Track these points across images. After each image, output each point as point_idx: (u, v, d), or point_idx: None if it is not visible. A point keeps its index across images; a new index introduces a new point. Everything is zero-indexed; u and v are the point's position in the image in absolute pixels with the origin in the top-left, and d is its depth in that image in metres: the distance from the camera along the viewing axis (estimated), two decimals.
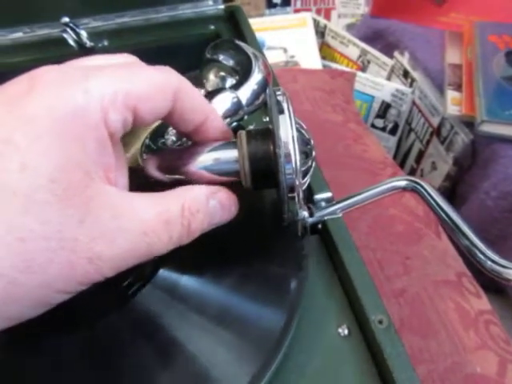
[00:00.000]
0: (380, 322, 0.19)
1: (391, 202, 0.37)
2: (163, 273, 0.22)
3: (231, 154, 0.20)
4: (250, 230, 0.24)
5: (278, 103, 0.19)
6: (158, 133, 0.24)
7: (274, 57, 0.67)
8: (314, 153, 0.20)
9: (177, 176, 0.21)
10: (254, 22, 0.53)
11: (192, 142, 0.22)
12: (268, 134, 0.19)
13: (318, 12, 0.91)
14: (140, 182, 0.21)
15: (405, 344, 0.19)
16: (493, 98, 0.50)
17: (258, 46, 0.37)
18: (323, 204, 0.25)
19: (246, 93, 0.27)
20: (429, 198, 0.22)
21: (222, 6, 0.43)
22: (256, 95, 0.27)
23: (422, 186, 0.23)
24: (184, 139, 0.24)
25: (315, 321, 0.21)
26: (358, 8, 0.90)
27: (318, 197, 0.25)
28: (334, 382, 0.19)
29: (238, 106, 0.26)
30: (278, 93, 0.20)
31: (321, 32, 0.77)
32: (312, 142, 0.21)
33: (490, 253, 0.19)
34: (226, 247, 0.23)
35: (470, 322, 0.31)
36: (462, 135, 0.54)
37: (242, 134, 0.20)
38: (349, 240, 0.23)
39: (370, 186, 0.25)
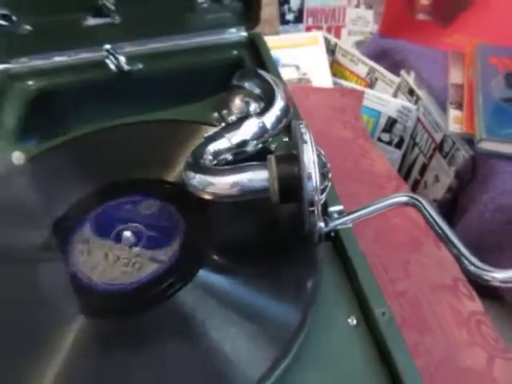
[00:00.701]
0: (383, 313, 0.24)
1: (395, 213, 0.41)
2: (202, 273, 0.26)
3: (262, 174, 0.24)
4: (274, 238, 0.28)
5: (302, 134, 0.23)
6: (198, 153, 0.28)
7: (287, 74, 0.72)
8: (330, 174, 0.25)
9: (212, 190, 0.26)
10: (269, 40, 0.57)
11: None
12: (293, 159, 0.24)
13: (329, 29, 0.96)
14: (186, 194, 0.26)
15: (403, 338, 0.23)
16: (491, 118, 0.54)
17: (278, 73, 0.41)
18: (335, 215, 0.29)
19: (270, 118, 0.31)
20: (426, 212, 0.27)
21: (244, 33, 0.47)
22: (279, 120, 0.32)
23: (420, 202, 0.27)
24: (220, 157, 0.29)
25: (329, 312, 0.25)
26: (367, 26, 0.94)
27: (331, 209, 0.29)
28: (344, 362, 0.23)
29: (263, 130, 0.31)
30: (302, 125, 0.24)
31: (331, 50, 0.81)
32: (329, 165, 0.25)
33: (473, 259, 0.23)
34: (253, 253, 0.28)
35: (463, 321, 0.35)
36: (462, 151, 0.58)
37: (272, 158, 0.24)
38: (357, 246, 0.27)
39: (376, 201, 0.29)
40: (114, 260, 0.27)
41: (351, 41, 0.96)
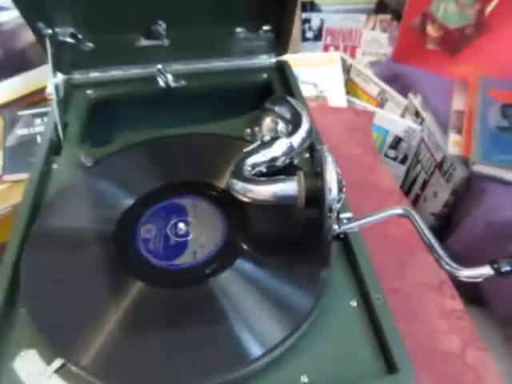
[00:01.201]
0: (378, 298, 0.31)
1: (394, 223, 0.48)
2: (237, 264, 0.34)
3: (293, 186, 0.32)
4: (296, 237, 0.35)
5: (325, 157, 0.31)
6: (239, 164, 0.36)
7: (305, 91, 0.78)
8: (344, 189, 0.32)
9: (253, 197, 0.33)
10: (290, 58, 0.63)
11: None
12: (318, 176, 0.31)
13: (345, 49, 1.03)
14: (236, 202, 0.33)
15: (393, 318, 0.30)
16: (486, 144, 0.61)
17: (303, 98, 0.48)
18: (345, 221, 0.36)
19: (297, 140, 0.39)
20: (416, 223, 0.34)
21: (273, 60, 0.55)
22: (304, 141, 0.39)
23: (412, 215, 0.34)
24: (256, 169, 0.36)
25: (336, 295, 0.32)
26: (381, 48, 1.02)
27: (342, 216, 0.36)
28: (345, 333, 0.31)
29: (291, 149, 0.38)
30: (325, 150, 0.31)
31: (347, 69, 0.89)
32: (344, 182, 0.32)
33: (448, 261, 0.30)
34: (279, 247, 0.35)
35: (445, 315, 0.42)
36: (459, 171, 0.65)
37: (301, 174, 0.32)
38: (362, 246, 0.34)
39: (379, 211, 0.36)
40: (171, 245, 0.34)
41: (365, 61, 1.03)
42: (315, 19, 1.04)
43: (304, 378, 0.28)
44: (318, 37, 1.05)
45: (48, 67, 0.73)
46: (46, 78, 0.90)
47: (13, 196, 0.71)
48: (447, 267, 0.30)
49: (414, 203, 0.80)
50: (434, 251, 0.31)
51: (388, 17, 1.00)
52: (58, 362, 0.29)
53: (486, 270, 0.29)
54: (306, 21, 1.05)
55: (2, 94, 0.84)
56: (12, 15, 0.82)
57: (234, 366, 0.27)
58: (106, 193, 0.39)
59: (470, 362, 0.39)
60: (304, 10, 1.05)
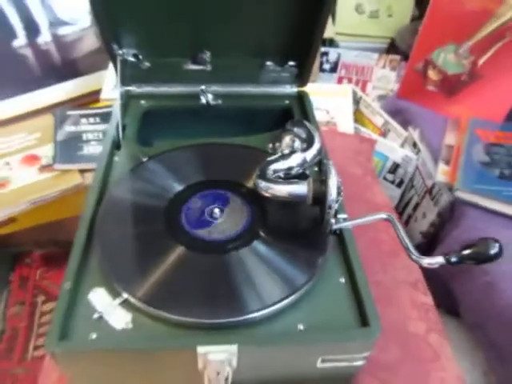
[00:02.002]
0: (361, 280, 0.41)
1: (382, 230, 0.59)
2: (255, 243, 0.44)
3: (304, 188, 0.43)
4: (302, 227, 0.46)
5: (330, 169, 0.42)
6: (263, 169, 0.47)
7: (319, 116, 0.90)
8: (342, 193, 0.43)
9: (273, 194, 0.44)
10: (309, 87, 0.73)
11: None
12: (323, 182, 0.42)
13: (357, 82, 1.16)
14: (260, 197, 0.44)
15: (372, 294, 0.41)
16: (468, 175, 0.72)
17: (317, 124, 0.60)
18: (341, 220, 0.47)
19: (309, 155, 0.50)
20: (395, 226, 0.44)
21: (295, 90, 0.67)
22: (315, 157, 0.50)
23: (393, 220, 0.45)
24: (276, 174, 0.47)
25: (329, 273, 0.43)
26: (389, 84, 1.14)
27: (339, 216, 0.47)
28: (334, 301, 0.41)
29: (304, 162, 0.49)
30: (330, 163, 0.42)
31: (357, 101, 1.00)
32: (342, 187, 0.43)
33: (415, 253, 0.41)
34: (289, 235, 0.46)
35: (416, 306, 0.52)
36: (445, 196, 0.76)
37: (310, 179, 0.43)
38: (352, 240, 0.45)
39: (368, 214, 0.47)
40: (206, 223, 0.45)
41: (374, 94, 1.15)
42: (333, 53, 1.17)
43: (300, 326, 0.39)
44: (334, 69, 1.18)
45: (112, 78, 0.86)
46: (93, 84, 1.03)
47: (61, 182, 0.83)
48: (414, 257, 0.41)
49: (406, 223, 0.90)
50: (406, 247, 0.42)
51: (397, 57, 1.12)
52: (121, 298, 0.39)
53: (440, 260, 0.40)
54: (325, 54, 1.18)
55: (56, 95, 0.97)
56: (71, 30, 0.95)
57: (253, 307, 0.38)
58: (159, 180, 0.50)
59: (431, 342, 0.49)
60: (324, 44, 1.18)
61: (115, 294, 0.40)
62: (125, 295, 0.39)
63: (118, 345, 0.37)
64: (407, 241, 0.43)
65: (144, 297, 0.39)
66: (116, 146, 0.56)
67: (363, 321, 0.39)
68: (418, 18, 1.21)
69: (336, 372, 0.42)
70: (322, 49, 1.17)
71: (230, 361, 0.37)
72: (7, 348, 0.88)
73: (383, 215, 0.46)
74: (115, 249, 0.43)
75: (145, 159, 0.53)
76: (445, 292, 0.74)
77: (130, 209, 0.47)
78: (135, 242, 0.44)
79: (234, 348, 0.36)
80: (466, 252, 0.40)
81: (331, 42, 1.20)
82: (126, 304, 0.39)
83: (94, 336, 0.37)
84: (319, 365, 0.40)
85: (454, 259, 0.39)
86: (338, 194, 0.42)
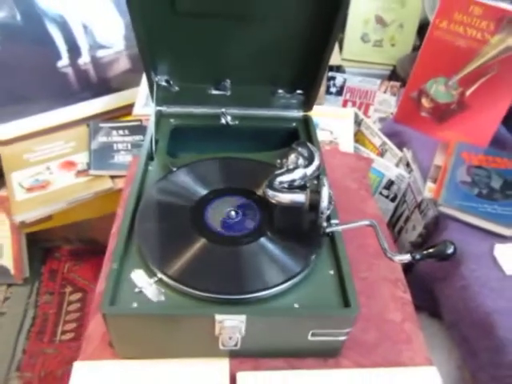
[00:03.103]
0: (347, 272, 0.52)
1: (370, 236, 0.69)
2: (262, 240, 0.55)
3: (303, 197, 0.53)
4: (301, 228, 0.57)
5: (324, 182, 0.53)
6: (271, 180, 0.58)
7: (323, 136, 1.02)
8: (333, 202, 0.54)
9: (278, 201, 0.55)
10: (315, 109, 0.83)
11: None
12: (318, 193, 0.53)
13: (361, 105, 1.27)
14: (268, 202, 0.55)
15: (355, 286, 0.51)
16: (450, 192, 0.82)
17: (319, 145, 0.71)
18: (333, 224, 0.57)
19: (310, 170, 0.61)
20: (376, 230, 0.55)
21: (301, 114, 0.78)
22: (314, 172, 0.61)
23: (375, 225, 0.55)
24: (281, 185, 0.58)
25: (321, 266, 0.53)
26: (390, 108, 1.25)
27: (332, 221, 0.57)
28: (323, 288, 0.51)
29: (305, 176, 0.60)
30: (324, 178, 0.53)
31: (358, 122, 1.11)
32: (333, 198, 0.54)
33: (389, 252, 0.51)
34: (290, 234, 0.57)
35: (394, 299, 0.62)
36: (431, 211, 0.86)
37: (308, 190, 0.53)
38: (342, 241, 0.55)
39: (355, 220, 0.57)
40: (225, 222, 0.56)
41: (376, 116, 1.26)
42: (339, 78, 1.28)
43: (296, 305, 0.49)
44: (339, 92, 1.29)
45: (142, 97, 0.99)
46: (123, 100, 1.15)
47: (95, 186, 0.95)
48: (389, 255, 0.51)
49: (399, 233, 1.00)
50: (382, 247, 0.52)
51: (398, 84, 1.23)
52: (156, 277, 0.50)
53: (408, 257, 0.50)
54: (332, 78, 1.29)
55: (90, 108, 1.10)
56: (107, 52, 1.08)
57: (259, 288, 0.49)
58: (187, 186, 0.61)
59: (405, 329, 0.59)
60: (331, 70, 1.30)
61: (151, 274, 0.51)
62: (159, 275, 0.50)
63: (153, 311, 0.48)
64: (384, 242, 0.53)
65: (174, 276, 0.50)
66: (150, 157, 0.68)
67: (345, 303, 0.50)
68: (418, 47, 1.32)
69: (324, 345, 0.52)
70: (330, 73, 1.29)
71: (240, 328, 0.47)
72: (39, 331, 0.99)
73: (367, 222, 0.56)
74: (151, 239, 0.54)
75: (174, 169, 0.65)
76: (429, 297, 0.84)
77: (163, 207, 0.58)
78: (167, 234, 0.55)
79: (243, 317, 0.47)
80: (428, 251, 0.50)
81: (338, 68, 1.32)
82: (159, 282, 0.50)
83: (135, 305, 0.48)
84: (310, 338, 0.51)
85: (418, 257, 0.50)
86: (330, 202, 0.53)
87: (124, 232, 0.54)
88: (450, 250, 0.49)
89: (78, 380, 0.51)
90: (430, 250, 0.50)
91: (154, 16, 0.63)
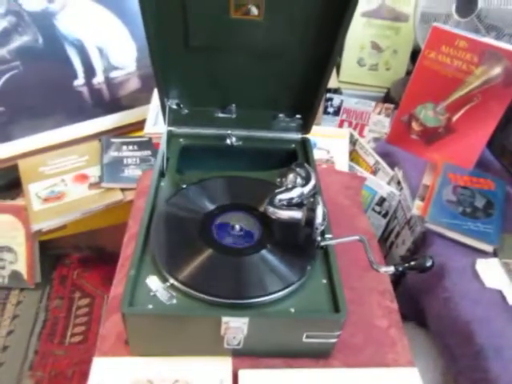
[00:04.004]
0: (337, 282, 0.58)
1: (362, 249, 0.75)
2: (263, 252, 0.62)
3: (299, 214, 0.60)
4: (297, 241, 0.64)
5: (319, 201, 0.59)
6: (272, 198, 0.65)
7: (320, 154, 1.09)
8: (327, 218, 0.60)
9: (277, 217, 0.62)
10: (313, 129, 0.90)
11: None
12: (313, 210, 0.59)
13: (356, 125, 1.34)
14: (269, 218, 0.62)
15: (348, 307, 0.57)
16: (436, 210, 0.89)
17: (315, 166, 0.78)
18: (327, 238, 0.64)
19: (307, 189, 0.68)
20: (365, 245, 0.61)
21: (300, 136, 0.85)
22: (310, 191, 0.68)
23: (363, 240, 0.62)
24: (281, 202, 0.65)
25: (315, 276, 0.60)
26: (384, 128, 1.32)
27: (326, 236, 0.64)
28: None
29: (302, 195, 0.67)
30: (319, 198, 0.60)
31: (353, 142, 1.19)
32: (327, 214, 0.60)
33: (375, 264, 0.58)
34: (288, 246, 0.63)
35: (381, 308, 0.69)
36: (419, 227, 0.92)
37: (305, 208, 0.60)
38: (334, 254, 0.62)
39: (346, 236, 0.64)
40: (229, 235, 0.63)
41: (370, 136, 1.34)
42: (336, 99, 1.36)
43: (292, 309, 0.56)
44: (336, 113, 1.37)
45: (152, 117, 1.06)
46: (133, 117, 1.22)
47: (107, 197, 1.02)
48: (375, 266, 0.58)
49: (390, 247, 1.07)
50: (369, 260, 0.59)
51: (391, 106, 1.31)
52: (168, 283, 0.57)
53: (392, 269, 0.57)
54: (330, 99, 1.37)
55: (103, 124, 1.17)
56: (120, 73, 1.16)
57: (260, 294, 0.55)
58: (196, 201, 0.68)
59: (390, 334, 0.65)
60: (329, 91, 1.38)
61: (164, 279, 0.57)
62: (171, 281, 0.57)
63: (166, 312, 0.54)
64: (371, 255, 0.60)
65: (185, 282, 0.56)
66: (162, 173, 0.75)
67: (336, 309, 0.56)
68: (411, 72, 1.40)
69: (317, 346, 0.58)
70: (328, 95, 1.36)
71: (243, 329, 0.54)
72: (49, 333, 1.05)
73: (357, 237, 0.63)
74: (164, 249, 0.61)
75: (184, 186, 0.71)
76: (416, 308, 0.91)
77: (174, 221, 0.65)
78: (178, 245, 0.61)
79: (245, 319, 0.53)
80: (409, 264, 0.57)
81: (336, 90, 1.40)
82: (171, 287, 0.57)
83: (150, 306, 0.54)
84: (304, 339, 0.57)
85: (400, 268, 0.57)
86: (323, 219, 0.59)
87: (140, 242, 0.61)
88: (429, 263, 0.56)
89: (97, 373, 0.57)
90: (412, 263, 0.57)
91: (170, 49, 0.70)
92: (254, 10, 0.63)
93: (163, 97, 0.78)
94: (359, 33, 1.38)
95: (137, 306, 0.54)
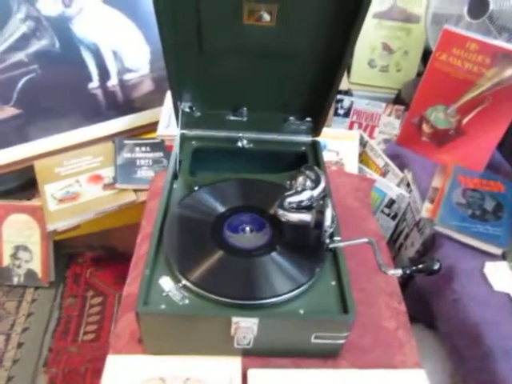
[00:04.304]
0: (346, 284, 0.59)
1: (370, 251, 0.76)
2: (273, 254, 0.63)
3: (309, 217, 0.61)
4: (307, 243, 0.65)
5: (328, 203, 0.60)
6: (282, 201, 0.66)
7: (329, 156, 1.10)
8: (335, 221, 0.61)
9: (287, 219, 0.63)
10: (323, 131, 0.92)
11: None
12: (322, 213, 0.61)
13: (366, 126, 1.35)
14: (278, 220, 0.63)
15: (356, 308, 0.58)
16: (445, 213, 0.89)
17: (325, 168, 0.79)
18: (336, 241, 0.65)
19: (316, 192, 0.68)
20: (373, 247, 0.62)
21: (310, 139, 0.86)
22: (320, 194, 0.69)
23: (372, 242, 0.63)
24: (290, 205, 0.66)
25: (324, 277, 0.61)
26: (394, 130, 1.32)
27: (335, 238, 0.65)
28: (326, 296, 0.59)
29: (311, 197, 0.68)
30: (329, 200, 0.61)
31: (363, 144, 1.19)
32: (336, 217, 0.61)
33: (384, 267, 0.59)
34: (297, 248, 0.64)
35: (389, 309, 0.69)
36: (428, 229, 0.93)
37: (314, 210, 0.61)
38: (343, 256, 0.63)
39: (355, 237, 0.65)
40: (240, 236, 0.64)
41: (380, 137, 1.34)
42: (347, 101, 1.36)
43: (301, 311, 0.57)
44: (347, 114, 1.37)
45: (165, 120, 1.08)
46: (146, 118, 1.24)
47: (120, 198, 1.04)
48: (383, 269, 0.59)
49: (399, 249, 1.08)
50: (378, 262, 0.60)
51: (402, 108, 1.31)
52: (181, 283, 0.58)
53: (399, 271, 0.58)
54: (340, 101, 1.37)
55: (117, 126, 1.19)
56: (134, 76, 1.18)
57: (270, 295, 0.56)
58: (207, 203, 0.70)
59: (399, 336, 0.66)
60: (339, 93, 1.38)
61: (177, 280, 0.59)
62: (183, 281, 0.58)
63: (178, 312, 0.56)
64: (379, 257, 0.61)
65: (196, 283, 0.58)
66: (175, 176, 0.76)
67: (344, 310, 0.57)
68: (422, 73, 1.39)
69: (325, 347, 0.59)
70: (338, 96, 1.37)
71: (253, 329, 0.55)
72: (63, 330, 1.08)
73: (365, 239, 0.64)
74: (177, 250, 0.62)
75: (196, 188, 0.73)
76: (425, 310, 0.91)
77: (186, 223, 0.66)
78: (190, 246, 0.63)
79: (255, 320, 0.55)
80: (417, 267, 0.57)
81: (346, 92, 1.40)
82: (184, 287, 0.58)
83: (163, 306, 0.56)
84: (313, 340, 0.58)
85: (408, 271, 0.57)
86: (332, 222, 0.60)
87: (154, 243, 0.62)
88: (436, 267, 0.57)
89: (110, 371, 0.59)
90: (419, 266, 0.58)
91: (184, 54, 0.72)
92: (267, 17, 0.64)
93: (176, 100, 0.79)
94: (370, 34, 1.38)
95: (151, 306, 0.56)
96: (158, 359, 0.60)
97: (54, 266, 1.15)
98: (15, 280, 1.15)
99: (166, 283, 0.59)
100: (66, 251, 1.24)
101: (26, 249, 1.12)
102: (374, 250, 0.62)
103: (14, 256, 1.13)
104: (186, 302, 0.57)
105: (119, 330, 0.66)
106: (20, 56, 1.00)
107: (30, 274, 1.14)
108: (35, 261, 1.13)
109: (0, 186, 1.17)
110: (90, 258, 1.25)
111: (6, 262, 1.13)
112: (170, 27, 0.67)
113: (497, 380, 0.68)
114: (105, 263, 1.23)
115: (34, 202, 1.09)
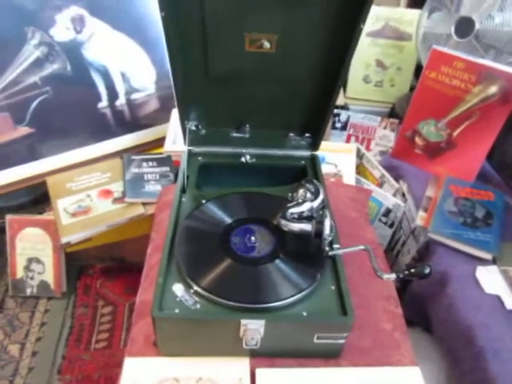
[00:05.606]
0: (345, 288, 0.64)
1: (368, 259, 0.81)
2: (277, 261, 0.68)
3: (309, 226, 0.67)
4: (308, 251, 0.70)
5: (327, 214, 0.66)
6: (284, 212, 0.71)
7: (328, 169, 1.15)
8: (334, 230, 0.67)
9: (289, 229, 0.69)
10: (322, 144, 0.97)
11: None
12: (321, 223, 0.66)
13: (363, 140, 1.41)
14: (281, 230, 0.68)
15: (355, 310, 0.63)
16: (438, 221, 0.94)
17: (323, 181, 0.84)
18: (335, 248, 0.70)
19: (316, 204, 0.74)
20: (370, 254, 0.67)
21: (309, 153, 0.92)
22: (319, 205, 0.74)
23: (368, 249, 0.68)
24: (292, 216, 0.71)
25: (324, 282, 0.66)
26: (389, 142, 1.38)
27: (334, 246, 0.70)
28: (325, 300, 0.64)
29: (312, 208, 0.73)
30: (327, 211, 0.67)
31: (360, 156, 1.25)
32: (335, 226, 0.67)
33: (379, 272, 0.64)
34: (299, 256, 0.70)
35: (387, 314, 0.74)
36: (422, 236, 0.98)
37: (314, 221, 0.67)
38: (342, 262, 0.68)
39: (352, 245, 0.70)
40: (245, 245, 0.69)
41: (377, 150, 1.40)
42: (344, 115, 1.43)
43: (304, 313, 0.62)
44: (344, 127, 1.43)
45: (171, 137, 1.13)
46: (152, 135, 1.30)
47: (129, 211, 1.09)
48: (378, 274, 0.64)
49: (396, 256, 1.13)
50: (374, 268, 0.65)
51: (396, 121, 1.37)
52: (192, 289, 0.63)
53: (393, 276, 0.63)
54: (337, 115, 1.44)
55: (125, 142, 1.25)
56: (141, 95, 1.24)
57: (275, 299, 0.61)
58: (215, 215, 0.75)
59: (395, 337, 0.71)
60: (336, 107, 1.44)
61: (189, 286, 0.64)
62: (195, 288, 0.63)
63: (191, 316, 0.61)
64: (375, 263, 0.66)
65: (207, 289, 0.63)
66: (183, 189, 0.82)
67: (344, 312, 0.62)
68: (415, 87, 1.46)
69: (327, 347, 0.64)
70: (335, 110, 1.43)
71: (260, 330, 0.60)
72: (76, 339, 1.12)
73: (362, 246, 0.69)
74: (188, 259, 0.67)
75: (203, 201, 0.78)
76: (422, 314, 0.96)
77: (196, 233, 0.72)
78: (200, 255, 0.68)
79: (262, 322, 0.59)
80: (410, 271, 0.62)
81: (343, 106, 1.47)
82: (195, 293, 0.63)
83: (177, 310, 0.61)
84: (315, 340, 0.63)
85: (401, 275, 0.62)
86: (331, 230, 0.66)
87: (166, 253, 0.67)
88: (427, 271, 0.62)
89: (128, 372, 0.63)
90: (412, 270, 0.63)
91: (191, 79, 0.78)
92: (267, 44, 0.70)
93: (184, 119, 0.85)
94: (365, 51, 1.45)
95: (165, 311, 0.61)
96: (172, 360, 0.65)
97: (65, 277, 1.20)
98: (28, 291, 1.20)
99: (178, 290, 0.64)
100: (77, 263, 1.29)
101: (38, 261, 1.17)
102: (370, 256, 0.67)
103: (28, 268, 1.18)
104: (198, 306, 0.62)
105: (134, 335, 0.71)
106: (34, 79, 1.07)
107: (43, 285, 1.19)
108: (48, 272, 1.18)
109: (13, 201, 1.22)
110: (100, 269, 1.30)
111: (20, 274, 1.18)
112: (179, 55, 0.73)
113: (488, 378, 0.73)
114: (114, 274, 1.28)
115: (47, 216, 1.14)
